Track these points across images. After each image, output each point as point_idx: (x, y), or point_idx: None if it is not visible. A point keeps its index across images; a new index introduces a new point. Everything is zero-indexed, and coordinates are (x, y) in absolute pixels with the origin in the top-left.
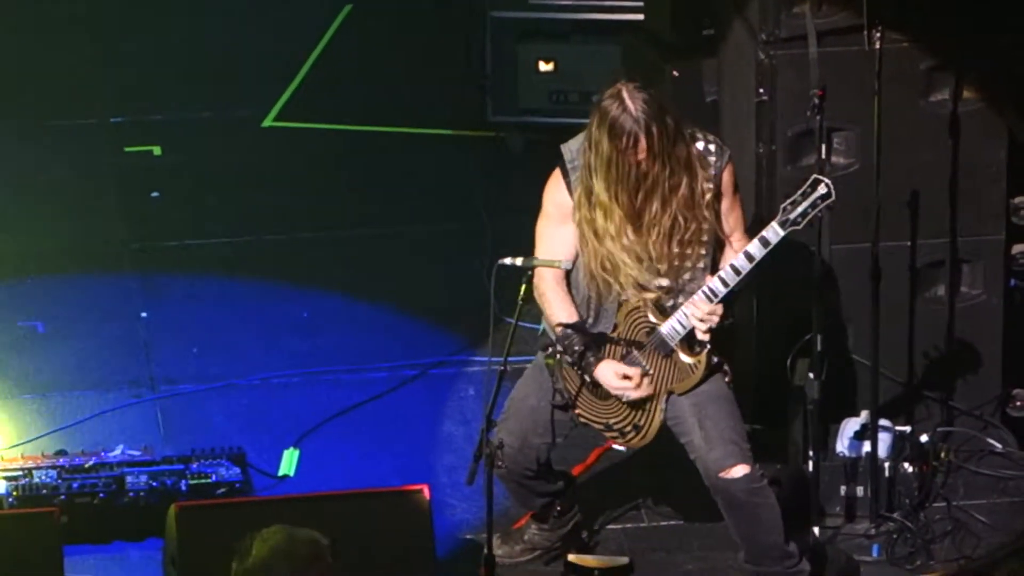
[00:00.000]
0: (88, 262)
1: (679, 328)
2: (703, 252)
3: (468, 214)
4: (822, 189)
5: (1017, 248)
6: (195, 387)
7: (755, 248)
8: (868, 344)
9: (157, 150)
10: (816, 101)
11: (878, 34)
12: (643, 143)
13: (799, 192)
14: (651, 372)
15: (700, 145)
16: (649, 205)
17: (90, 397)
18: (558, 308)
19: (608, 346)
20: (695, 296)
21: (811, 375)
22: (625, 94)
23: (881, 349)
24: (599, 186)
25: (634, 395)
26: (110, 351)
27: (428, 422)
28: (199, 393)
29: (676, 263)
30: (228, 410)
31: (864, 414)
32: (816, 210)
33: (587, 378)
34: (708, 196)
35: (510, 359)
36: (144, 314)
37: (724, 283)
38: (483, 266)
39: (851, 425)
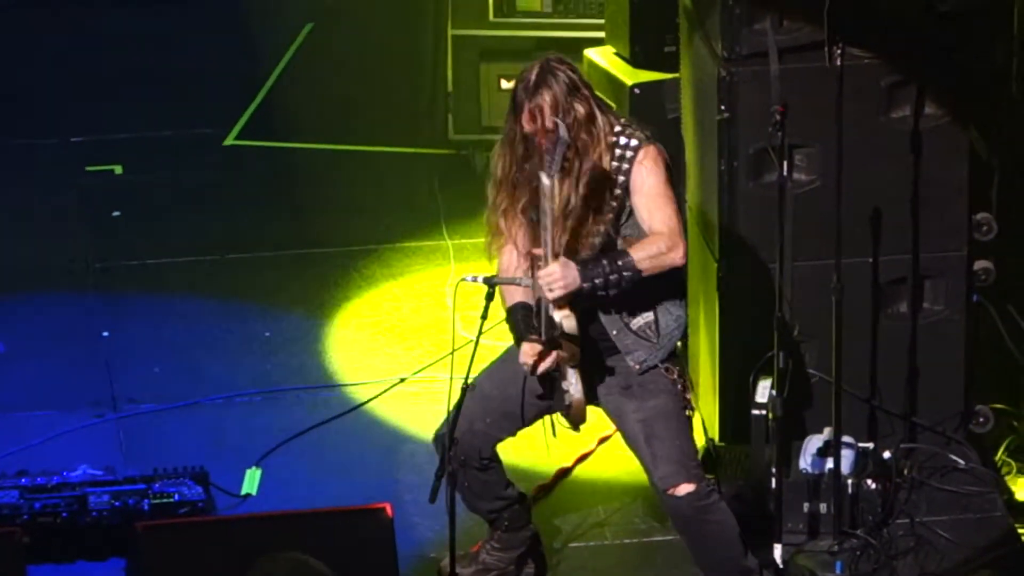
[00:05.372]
0: (50, 282)
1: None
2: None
3: (430, 232)
4: None
5: (979, 264)
6: (157, 406)
7: None
8: (831, 361)
9: (118, 169)
10: (777, 118)
11: (839, 51)
12: (528, 109)
13: None
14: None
15: (618, 139)
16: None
17: (52, 417)
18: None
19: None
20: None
21: (774, 392)
22: (532, 67)
23: (844, 365)
24: (496, 164)
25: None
26: (72, 371)
27: (391, 440)
28: (161, 413)
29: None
30: (190, 429)
31: (827, 431)
32: None
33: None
34: (617, 191)
35: (472, 376)
36: (106, 333)
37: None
38: (446, 284)
39: (814, 442)
